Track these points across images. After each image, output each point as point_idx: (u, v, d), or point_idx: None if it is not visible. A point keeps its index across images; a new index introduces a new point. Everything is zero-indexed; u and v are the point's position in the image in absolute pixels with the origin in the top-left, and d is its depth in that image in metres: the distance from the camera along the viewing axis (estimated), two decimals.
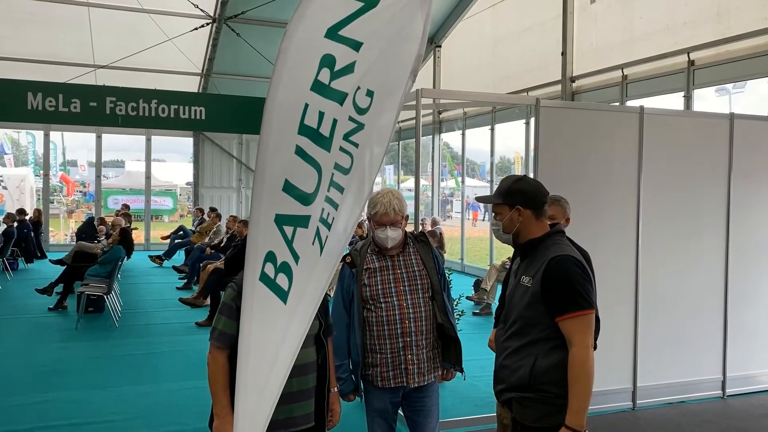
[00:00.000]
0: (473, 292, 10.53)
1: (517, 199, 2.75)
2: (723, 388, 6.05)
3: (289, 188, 1.72)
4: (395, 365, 3.27)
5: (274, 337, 1.80)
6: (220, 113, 8.03)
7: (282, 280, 1.77)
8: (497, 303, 4.28)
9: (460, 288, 7.22)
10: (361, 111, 1.79)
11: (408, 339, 3.26)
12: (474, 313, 9.80)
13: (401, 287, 3.30)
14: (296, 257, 1.76)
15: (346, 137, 1.77)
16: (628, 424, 5.37)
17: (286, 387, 2.56)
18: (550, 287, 2.57)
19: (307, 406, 2.81)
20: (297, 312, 1.81)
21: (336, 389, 3.04)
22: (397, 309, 3.26)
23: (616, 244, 5.58)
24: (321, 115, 1.71)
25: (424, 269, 3.36)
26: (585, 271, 2.60)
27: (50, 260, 12.88)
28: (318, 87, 1.72)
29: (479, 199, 3.06)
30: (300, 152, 1.72)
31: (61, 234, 21.30)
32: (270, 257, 1.75)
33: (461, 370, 3.52)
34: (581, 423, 2.49)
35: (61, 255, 11.91)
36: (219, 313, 2.74)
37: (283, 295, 1.77)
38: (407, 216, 3.38)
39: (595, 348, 2.63)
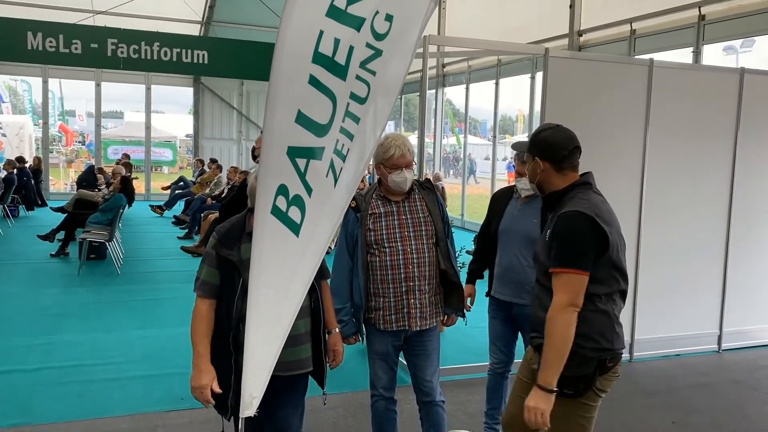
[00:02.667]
0: (473, 246, 10.57)
1: (536, 149, 2.72)
2: (719, 343, 6.14)
3: (302, 119, 1.69)
4: (398, 309, 3.30)
5: (286, 271, 1.80)
6: (223, 58, 7.86)
7: (294, 213, 1.75)
8: (470, 263, 4.28)
9: (460, 242, 7.29)
10: (379, 37, 1.73)
11: (411, 284, 3.28)
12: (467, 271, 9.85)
13: (406, 233, 3.32)
14: (309, 190, 1.75)
15: (362, 65, 1.73)
16: (624, 376, 5.45)
17: None
18: (553, 239, 2.59)
19: (300, 351, 2.74)
20: (309, 245, 1.81)
21: (336, 330, 3.03)
22: (401, 254, 3.28)
23: (620, 196, 5.54)
24: (336, 42, 1.66)
25: (429, 216, 3.37)
26: (594, 230, 2.52)
27: (51, 208, 12.88)
28: (334, 12, 1.66)
29: (515, 145, 3.01)
30: (314, 82, 1.68)
31: (61, 183, 21.24)
32: (282, 190, 1.73)
33: (463, 316, 3.56)
34: (549, 381, 2.46)
35: (62, 203, 11.90)
36: (202, 261, 2.69)
37: (295, 228, 1.76)
38: (414, 162, 3.37)
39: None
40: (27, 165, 14.84)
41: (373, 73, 1.75)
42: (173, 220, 13.29)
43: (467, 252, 9.89)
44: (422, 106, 5.53)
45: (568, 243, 2.53)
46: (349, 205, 3.33)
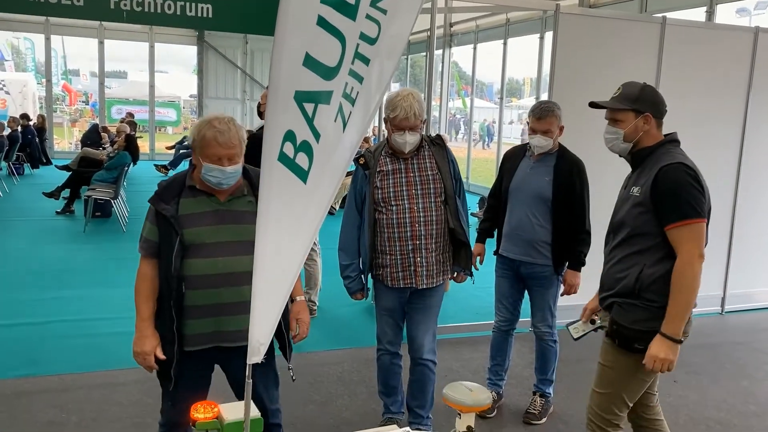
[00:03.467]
0: (478, 208, 10.57)
1: (647, 105, 2.63)
2: (722, 305, 6.16)
3: (309, 62, 1.65)
4: (404, 267, 3.29)
5: (293, 218, 1.78)
6: (228, 10, 7.66)
7: (302, 160, 1.72)
8: (480, 222, 4.27)
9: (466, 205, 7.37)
10: None
11: (417, 242, 3.26)
12: (477, 230, 9.86)
13: (413, 191, 3.28)
14: (317, 135, 1.71)
15: (373, 3, 1.68)
16: None
17: (212, 297, 2.45)
18: (660, 195, 2.50)
19: (243, 321, 2.29)
20: (316, 193, 1.78)
21: (301, 298, 2.75)
22: (407, 212, 3.25)
23: None
24: None
25: (438, 173, 3.31)
26: (697, 179, 2.51)
27: (56, 166, 12.87)
28: None
29: (595, 104, 2.78)
30: (322, 23, 1.63)
31: (65, 142, 21.19)
32: (289, 136, 1.70)
33: (470, 274, 3.55)
34: (677, 332, 2.47)
35: (66, 162, 11.89)
36: (145, 218, 2.55)
37: (302, 175, 1.74)
38: (426, 119, 3.31)
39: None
40: (31, 123, 14.78)
41: (384, 11, 1.70)
42: None
43: (472, 214, 9.89)
44: (430, 62, 5.44)
45: (684, 193, 2.48)
46: (358, 162, 3.31)
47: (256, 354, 1.84)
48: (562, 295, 3.83)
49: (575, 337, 2.94)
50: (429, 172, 3.32)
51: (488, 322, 5.28)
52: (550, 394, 3.98)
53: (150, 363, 2.50)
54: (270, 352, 2.65)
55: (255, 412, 1.93)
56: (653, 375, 2.63)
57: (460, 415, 2.36)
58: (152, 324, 2.51)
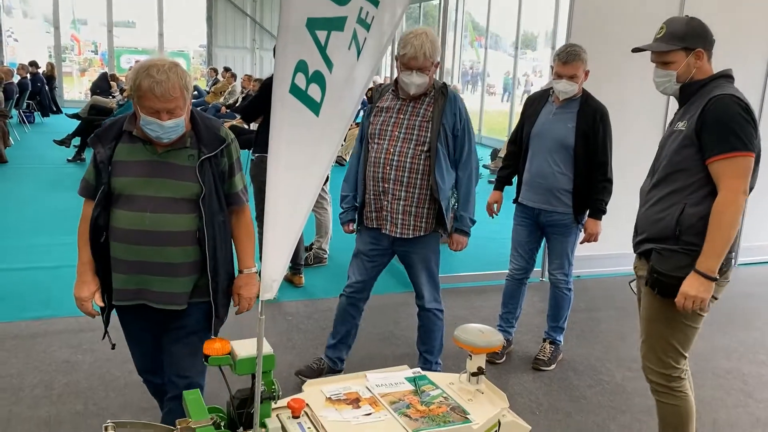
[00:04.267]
0: (490, 160, 10.47)
1: (697, 40, 2.44)
2: (735, 258, 6.10)
3: None
4: (376, 207, 3.25)
5: (306, 153, 1.74)
6: None
7: (314, 91, 1.67)
8: (499, 169, 4.19)
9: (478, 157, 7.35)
10: None
11: (386, 185, 3.17)
12: (489, 182, 9.79)
13: (396, 132, 3.16)
14: (330, 65, 1.66)
15: None
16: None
17: (135, 253, 2.25)
18: (706, 126, 2.34)
19: (169, 283, 2.31)
20: (329, 125, 1.74)
21: (248, 272, 2.50)
22: (383, 152, 3.16)
23: (650, 110, 5.41)
24: None
25: (430, 122, 3.11)
26: (749, 111, 2.33)
27: (66, 114, 12.82)
28: None
29: (639, 49, 2.58)
30: None
31: (74, 92, 21.07)
32: (301, 66, 1.65)
33: (444, 232, 3.37)
34: (712, 269, 2.32)
35: (76, 110, 11.83)
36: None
37: (315, 107, 1.69)
38: (438, 63, 3.17)
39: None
40: (40, 70, 14.66)
41: None
42: None
43: (484, 166, 9.82)
44: (444, 11, 5.30)
45: (732, 123, 2.30)
46: (366, 94, 3.25)
47: (268, 291, 1.83)
48: (581, 243, 3.79)
49: (636, 292, 2.78)
50: (419, 119, 3.14)
51: (498, 271, 5.30)
52: (560, 341, 4.00)
53: (87, 309, 2.37)
54: (201, 321, 2.43)
55: (267, 348, 1.93)
56: (701, 319, 2.51)
57: (470, 356, 2.36)
58: (92, 268, 2.35)
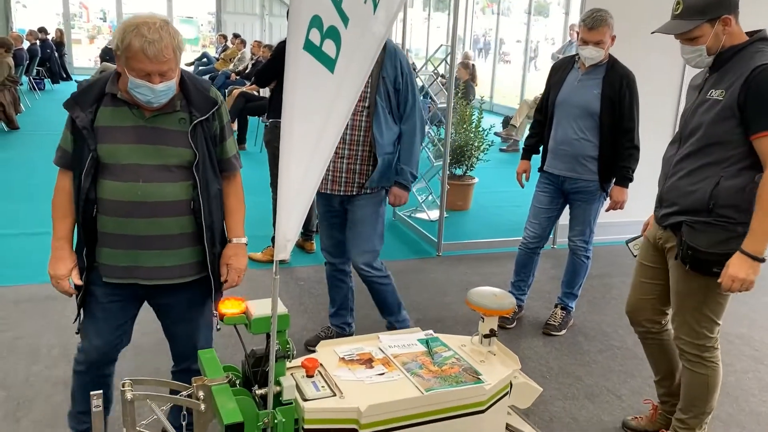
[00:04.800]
0: (502, 128, 10.37)
1: (720, 7, 2.29)
2: None
3: None
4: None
5: (321, 111, 1.72)
6: None
7: (329, 47, 1.64)
8: (526, 138, 4.15)
9: (488, 125, 7.28)
10: None
11: None
12: (501, 150, 9.72)
13: None
14: (345, 20, 1.62)
15: None
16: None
17: (127, 226, 2.11)
18: (751, 99, 2.21)
19: (164, 257, 2.18)
20: (344, 83, 1.71)
21: (237, 241, 2.35)
22: None
23: (666, 70, 5.33)
24: None
25: (370, 78, 2.96)
26: None
27: (76, 81, 12.78)
28: None
29: (663, 30, 2.41)
30: None
31: (83, 59, 20.99)
32: (315, 22, 1.61)
33: (387, 189, 3.29)
34: (760, 250, 2.22)
35: (87, 77, 11.79)
36: (65, 125, 2.16)
37: (329, 64, 1.66)
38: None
39: None
40: (49, 37, 14.59)
41: None
42: None
43: (495, 134, 9.72)
44: None
45: None
46: None
47: (282, 251, 1.82)
48: (606, 210, 3.76)
49: (635, 253, 2.80)
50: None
51: (510, 238, 5.29)
52: (572, 308, 4.00)
53: (64, 287, 2.20)
54: (202, 292, 2.34)
55: (282, 308, 1.94)
56: (725, 302, 2.49)
57: (483, 318, 2.37)
58: (69, 244, 2.19)
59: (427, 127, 6.68)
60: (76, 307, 2.26)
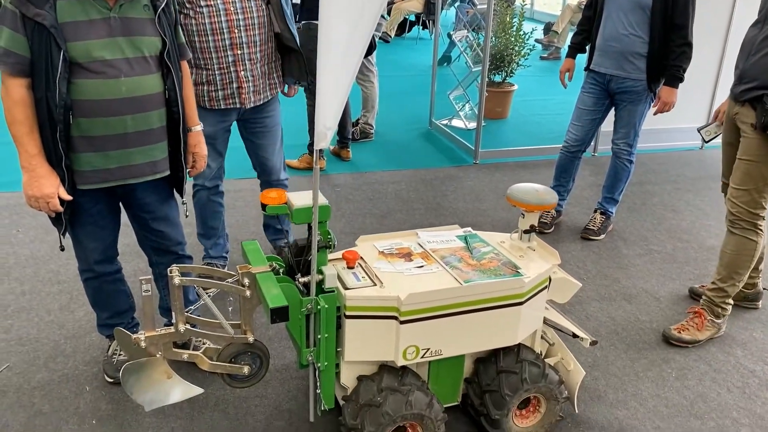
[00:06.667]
0: (543, 35, 9.98)
1: None
2: None
3: None
4: (225, 84, 2.82)
5: (355, 4, 1.67)
6: None
7: None
8: (572, 35, 3.96)
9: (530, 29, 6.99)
10: None
11: (239, 52, 2.79)
12: (542, 57, 9.39)
13: None
14: None
15: None
16: (696, 162, 5.32)
17: (116, 125, 2.05)
18: None
19: (151, 151, 2.16)
20: None
21: (198, 128, 2.37)
22: (223, 15, 2.72)
23: None
24: None
25: None
26: None
27: None
28: None
29: None
30: None
31: None
32: None
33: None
34: None
35: None
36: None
37: None
38: None
39: None
40: None
41: None
42: None
43: (536, 41, 9.37)
44: None
45: None
46: None
47: (323, 140, 1.81)
48: (654, 114, 3.62)
49: (707, 139, 2.97)
50: None
51: (549, 146, 5.19)
52: (612, 213, 3.94)
53: (55, 206, 2.05)
54: (172, 182, 2.34)
55: (323, 199, 1.95)
56: None
57: (523, 214, 2.35)
58: (45, 159, 2.01)
59: (466, 32, 6.47)
60: (63, 223, 2.15)
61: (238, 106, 2.90)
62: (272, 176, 3.21)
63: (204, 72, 2.81)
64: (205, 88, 2.84)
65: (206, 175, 3.04)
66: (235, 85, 2.85)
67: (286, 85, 3.14)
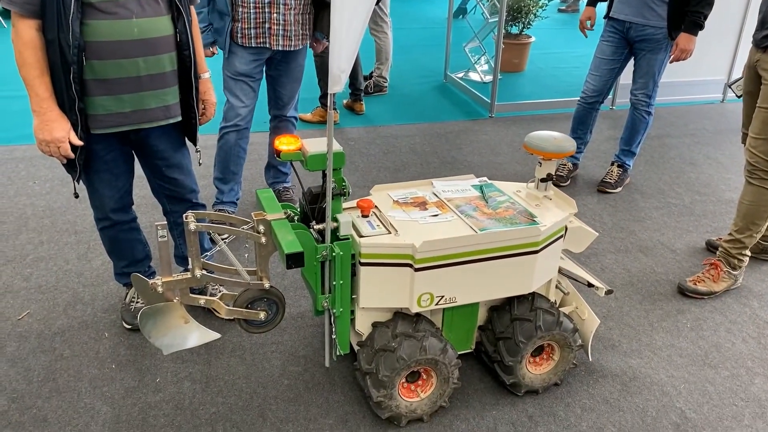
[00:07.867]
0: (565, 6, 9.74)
1: None
2: None
3: None
4: (258, 23, 2.95)
5: None
6: None
7: None
8: None
9: None
10: None
11: None
12: (560, 10, 9.19)
13: None
14: None
15: None
16: (718, 115, 5.22)
17: (128, 68, 2.02)
18: None
19: (164, 95, 2.15)
20: None
21: (207, 75, 2.36)
22: None
23: None
24: None
25: None
26: None
27: None
28: None
29: None
30: None
31: None
32: None
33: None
34: None
35: None
36: None
37: None
38: None
39: None
40: None
41: None
42: None
43: (559, 10, 9.14)
44: None
45: None
46: None
47: (337, 83, 1.78)
48: (671, 61, 3.52)
49: (738, 94, 2.93)
50: None
51: (566, 98, 5.11)
52: (629, 166, 3.89)
53: (66, 151, 2.03)
54: (178, 138, 2.34)
55: (337, 146, 1.93)
56: None
57: (540, 162, 2.32)
58: (55, 103, 1.99)
59: None
60: (77, 168, 2.13)
61: (267, 45, 3.00)
62: (281, 111, 3.31)
63: (240, 9, 2.93)
64: (239, 25, 2.96)
65: (242, 114, 3.13)
66: (267, 26, 2.96)
67: (317, 39, 3.19)
